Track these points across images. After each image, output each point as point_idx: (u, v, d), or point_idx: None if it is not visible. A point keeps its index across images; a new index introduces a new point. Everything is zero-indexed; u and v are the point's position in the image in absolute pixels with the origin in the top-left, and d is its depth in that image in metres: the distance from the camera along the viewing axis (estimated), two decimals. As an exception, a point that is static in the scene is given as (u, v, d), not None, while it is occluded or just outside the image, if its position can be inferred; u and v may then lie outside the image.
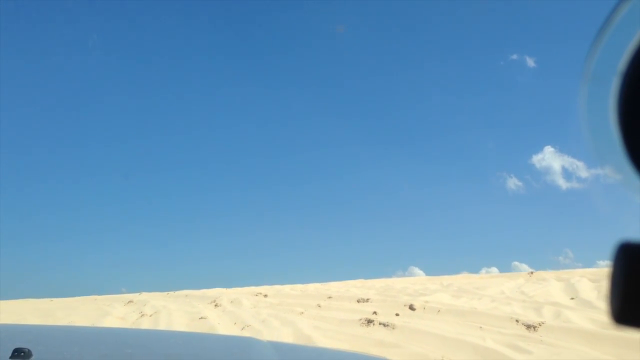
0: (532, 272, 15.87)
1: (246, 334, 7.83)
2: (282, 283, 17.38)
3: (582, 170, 21.68)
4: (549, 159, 23.25)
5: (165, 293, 15.91)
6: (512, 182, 23.57)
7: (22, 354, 1.12)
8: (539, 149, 26.41)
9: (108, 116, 24.53)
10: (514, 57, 24.64)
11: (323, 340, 6.87)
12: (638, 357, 5.77)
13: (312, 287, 15.75)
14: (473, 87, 26.31)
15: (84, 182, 23.86)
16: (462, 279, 15.58)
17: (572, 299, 10.48)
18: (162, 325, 8.59)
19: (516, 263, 18.87)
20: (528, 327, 7.40)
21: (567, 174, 22.97)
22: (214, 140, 24.93)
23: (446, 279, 15.89)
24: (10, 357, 1.11)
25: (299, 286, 16.40)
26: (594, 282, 12.78)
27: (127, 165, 23.90)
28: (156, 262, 22.49)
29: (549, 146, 23.09)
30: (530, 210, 25.15)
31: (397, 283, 16.40)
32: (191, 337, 2.13)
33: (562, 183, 22.79)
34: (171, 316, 9.64)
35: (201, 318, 9.35)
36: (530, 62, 23.89)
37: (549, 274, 15.63)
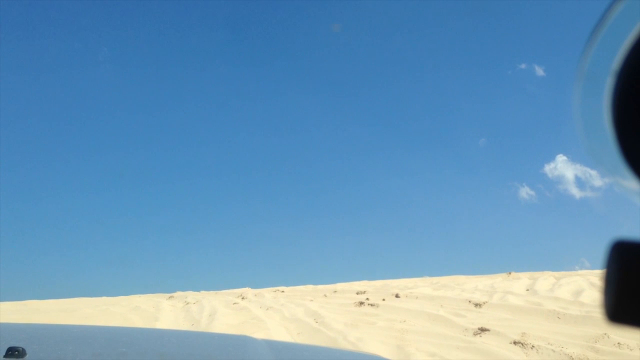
0: (510, 273, 18.46)
1: (270, 313, 10.61)
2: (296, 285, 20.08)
3: (595, 178, 21.23)
4: (562, 167, 22.94)
5: (197, 292, 18.79)
6: (525, 192, 23.67)
7: (16, 352, 1.12)
8: (550, 158, 26.47)
9: (121, 126, 25.92)
10: (523, 66, 25.05)
11: (326, 313, 9.65)
12: (540, 320, 8.44)
13: (322, 286, 18.50)
14: (483, 96, 26.89)
15: (103, 190, 25.30)
16: (449, 279, 18.23)
17: (527, 290, 13.11)
18: (207, 309, 11.39)
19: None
20: (476, 304, 10.11)
21: (581, 182, 22.73)
22: (227, 148, 26.14)
23: (436, 279, 18.56)
24: (4, 356, 1.12)
25: (310, 285, 19.16)
26: (557, 279, 15.44)
27: (145, 174, 25.37)
28: (179, 268, 24.48)
29: (561, 155, 22.90)
30: (544, 219, 25.29)
31: (394, 282, 19.07)
32: (185, 335, 2.13)
33: (576, 192, 22.59)
34: (211, 303, 12.48)
35: (234, 304, 12.19)
36: (540, 71, 24.30)
37: (524, 275, 18.23)
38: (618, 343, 6.43)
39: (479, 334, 7.37)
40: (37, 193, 24.15)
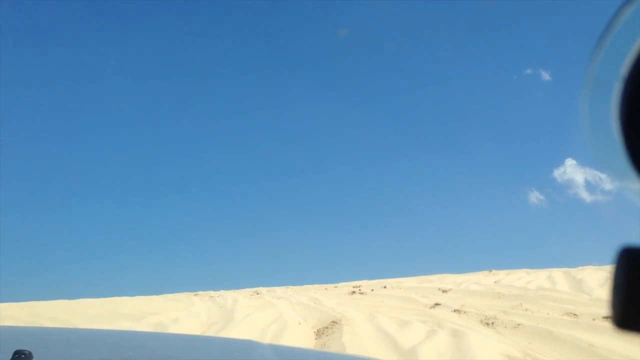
0: (490, 270, 20.98)
1: (281, 300, 13.30)
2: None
3: (605, 182, 21.02)
4: (571, 172, 22.76)
5: (217, 291, 21.56)
6: (534, 196, 23.78)
7: (23, 356, 1.14)
8: (559, 162, 26.17)
9: (130, 139, 26.55)
10: (529, 71, 24.88)
11: (323, 299, 12.33)
12: (484, 298, 11.03)
13: (327, 285, 21.19)
14: (489, 102, 27.20)
15: (111, 198, 26.23)
16: (437, 276, 20.79)
17: (495, 282, 15.67)
18: (230, 299, 14.09)
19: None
20: (443, 291, 12.74)
21: (591, 186, 22.55)
22: (231, 154, 26.87)
23: (426, 277, 21.14)
24: None
25: (317, 285, 21.86)
26: (527, 274, 18.01)
27: (158, 183, 26.45)
28: (196, 271, 26.25)
29: (570, 159, 22.64)
30: (554, 224, 25.45)
31: (391, 280, 21.69)
32: (191, 339, 2.14)
33: (586, 196, 22.45)
34: (232, 295, 15.22)
35: (252, 295, 14.92)
36: (546, 76, 24.09)
37: (503, 272, 20.76)
38: (526, 309, 9.06)
39: (433, 307, 10.02)
40: (61, 201, 25.65)
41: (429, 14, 26.68)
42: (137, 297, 20.36)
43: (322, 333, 7.89)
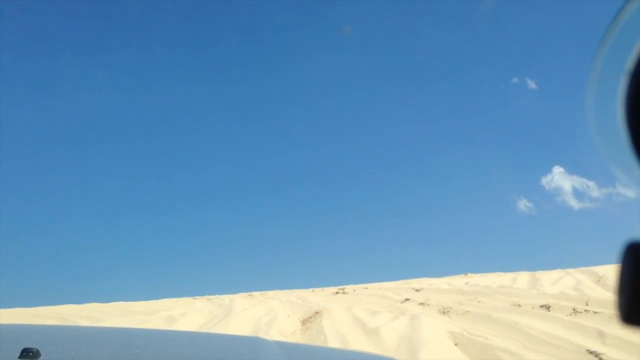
0: (466, 274, 22.72)
1: (272, 300, 14.90)
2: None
3: (593, 189, 21.41)
4: (559, 179, 23.23)
5: (212, 295, 23.07)
6: (523, 204, 24.12)
7: (31, 354, 1.14)
8: (547, 170, 26.62)
9: (124, 148, 27.00)
10: (515, 80, 25.07)
11: (310, 297, 13.96)
12: (449, 294, 12.71)
13: (313, 288, 22.79)
14: (476, 111, 27.64)
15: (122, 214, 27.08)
16: (416, 280, 22.47)
17: (466, 283, 17.39)
18: (227, 299, 15.66)
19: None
20: (416, 290, 14.42)
21: (579, 194, 23.49)
22: (229, 153, 27.49)
23: (406, 281, 22.82)
24: (19, 357, 1.14)
25: (304, 289, 23.45)
26: (499, 277, 19.77)
27: (158, 198, 27.22)
28: (191, 278, 26.79)
29: (558, 166, 22.94)
30: (543, 231, 25.84)
31: (374, 284, 23.36)
32: (198, 336, 2.12)
33: (574, 203, 22.66)
34: (228, 298, 16.80)
35: (246, 297, 16.52)
36: (532, 84, 24.23)
37: (478, 275, 22.49)
38: (479, 301, 10.77)
39: (403, 302, 11.71)
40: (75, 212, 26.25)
41: (416, 25, 27.23)
42: (140, 302, 21.84)
43: (307, 321, 9.53)
